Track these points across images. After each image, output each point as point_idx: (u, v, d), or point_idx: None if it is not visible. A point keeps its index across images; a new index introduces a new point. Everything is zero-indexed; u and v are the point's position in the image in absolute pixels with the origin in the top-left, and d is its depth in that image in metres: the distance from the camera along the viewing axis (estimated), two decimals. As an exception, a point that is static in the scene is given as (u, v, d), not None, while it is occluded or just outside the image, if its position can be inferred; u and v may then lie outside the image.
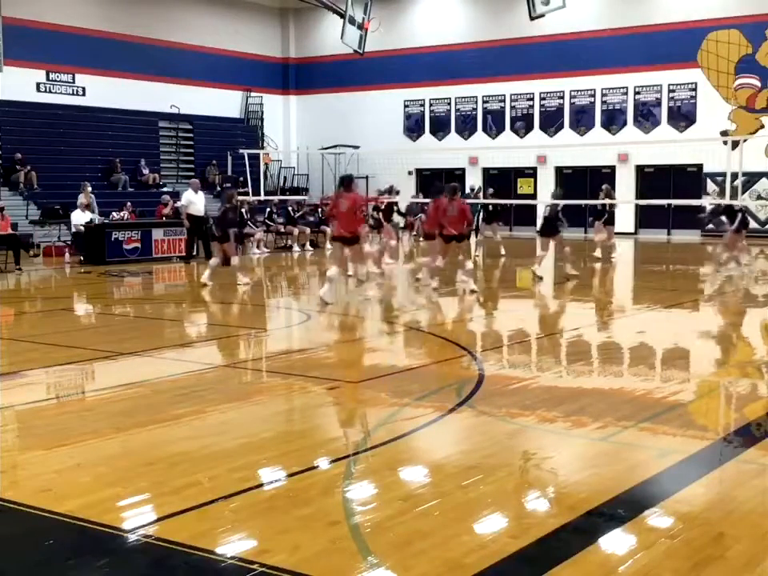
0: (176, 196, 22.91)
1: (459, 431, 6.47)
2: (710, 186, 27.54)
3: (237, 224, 15.63)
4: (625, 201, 28.35)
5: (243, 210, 22.47)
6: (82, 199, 21.29)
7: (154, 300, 13.90)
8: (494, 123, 32.08)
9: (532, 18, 24.15)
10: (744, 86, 27.77)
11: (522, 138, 31.54)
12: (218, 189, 26.60)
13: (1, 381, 7.94)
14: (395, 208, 23.17)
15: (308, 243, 24.20)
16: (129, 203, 23.44)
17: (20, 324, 12.25)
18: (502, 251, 21.62)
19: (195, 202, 19.22)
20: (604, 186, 21.05)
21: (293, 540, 4.28)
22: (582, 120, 30.60)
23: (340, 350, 9.99)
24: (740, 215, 17.36)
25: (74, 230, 20.66)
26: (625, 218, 29.27)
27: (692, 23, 27.98)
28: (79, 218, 20.48)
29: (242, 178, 22.65)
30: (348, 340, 10.77)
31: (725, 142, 22.98)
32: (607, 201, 20.58)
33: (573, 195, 28.26)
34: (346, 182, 13.30)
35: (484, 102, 32.20)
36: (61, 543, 4.32)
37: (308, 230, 24.51)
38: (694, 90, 28.63)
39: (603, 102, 30.27)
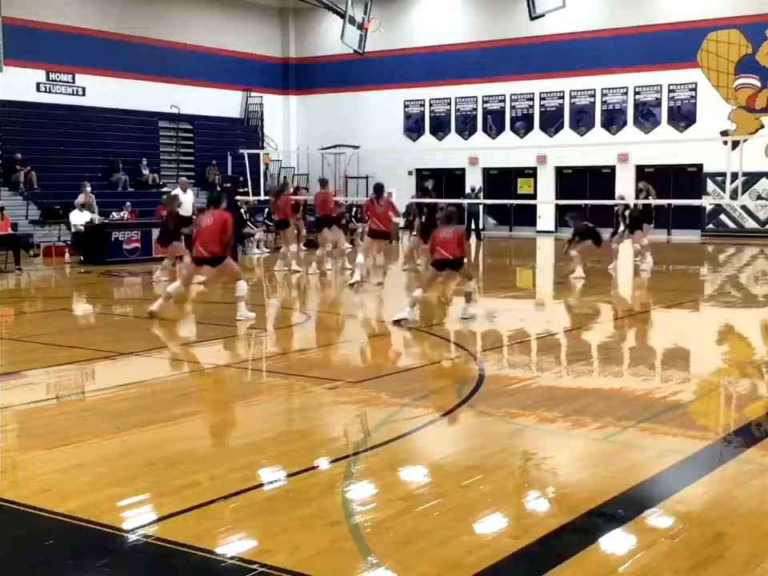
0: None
1: (459, 431, 6.47)
2: (710, 185, 27.53)
3: None
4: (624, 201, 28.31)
5: (243, 210, 22.50)
6: (80, 199, 21.29)
7: (154, 300, 13.89)
8: (494, 123, 32.06)
9: (532, 18, 24.14)
10: (744, 85, 27.76)
11: (522, 138, 31.53)
12: (218, 189, 26.54)
13: (1, 381, 7.93)
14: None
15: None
16: (129, 203, 23.44)
17: (20, 324, 12.25)
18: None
19: (183, 201, 19.08)
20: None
21: (293, 540, 4.27)
22: (582, 120, 30.59)
23: (340, 349, 10.00)
24: None
25: (73, 229, 20.65)
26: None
27: (692, 23, 27.97)
28: (77, 217, 20.46)
29: (241, 178, 22.61)
30: (347, 340, 10.76)
31: (725, 142, 22.95)
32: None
33: (572, 195, 28.36)
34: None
35: (484, 102, 32.19)
36: (61, 543, 4.32)
37: (304, 230, 24.45)
38: (694, 90, 28.62)
39: (603, 102, 30.25)
